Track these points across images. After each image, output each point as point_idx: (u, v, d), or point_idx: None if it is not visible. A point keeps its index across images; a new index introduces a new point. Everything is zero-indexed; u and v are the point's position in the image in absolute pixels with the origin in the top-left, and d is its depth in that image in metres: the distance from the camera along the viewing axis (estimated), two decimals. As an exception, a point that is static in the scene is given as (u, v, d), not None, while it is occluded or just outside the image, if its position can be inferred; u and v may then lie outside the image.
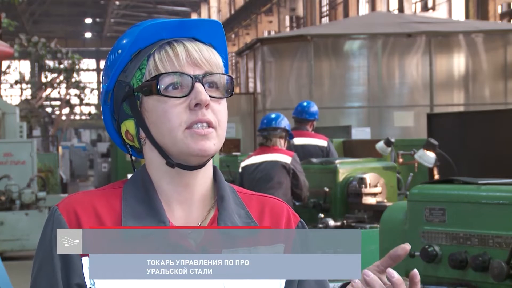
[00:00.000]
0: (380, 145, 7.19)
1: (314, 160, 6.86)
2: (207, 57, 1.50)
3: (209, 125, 1.46)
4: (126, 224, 1.47)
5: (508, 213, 2.96)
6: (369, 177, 6.32)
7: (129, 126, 1.53)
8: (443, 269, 3.15)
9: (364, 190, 6.26)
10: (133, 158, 1.63)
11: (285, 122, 6.52)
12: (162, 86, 1.47)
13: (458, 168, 5.77)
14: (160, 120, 1.47)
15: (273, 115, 6.64)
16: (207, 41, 1.54)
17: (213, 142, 1.47)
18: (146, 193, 1.51)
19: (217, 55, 1.53)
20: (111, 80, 1.53)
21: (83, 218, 1.47)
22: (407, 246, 1.38)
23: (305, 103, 8.19)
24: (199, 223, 1.52)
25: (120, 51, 1.53)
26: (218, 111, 1.49)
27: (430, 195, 3.27)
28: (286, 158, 6.38)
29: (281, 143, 6.50)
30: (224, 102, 1.51)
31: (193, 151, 1.46)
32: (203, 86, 1.47)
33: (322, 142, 7.71)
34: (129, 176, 1.61)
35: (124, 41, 1.54)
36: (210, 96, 1.47)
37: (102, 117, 1.61)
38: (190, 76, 1.47)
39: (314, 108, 8.09)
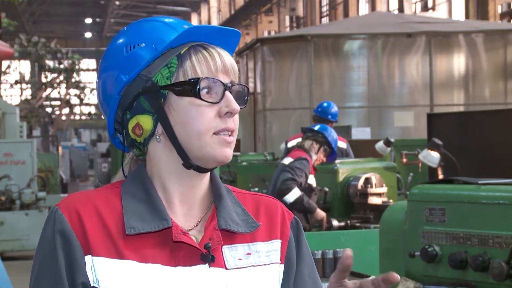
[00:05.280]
0: (380, 145, 7.19)
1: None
2: (234, 66, 1.54)
3: (231, 133, 1.50)
4: (128, 222, 1.47)
5: (508, 213, 2.96)
6: (374, 177, 6.32)
7: (143, 121, 1.51)
8: (443, 269, 3.15)
9: (370, 190, 6.26)
10: (124, 155, 1.61)
11: (323, 130, 6.37)
12: (203, 90, 1.48)
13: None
14: (191, 122, 1.48)
15: (317, 127, 6.52)
16: (227, 49, 1.56)
17: (232, 150, 1.52)
18: (146, 192, 1.51)
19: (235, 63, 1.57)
20: (133, 73, 1.50)
21: (85, 217, 1.47)
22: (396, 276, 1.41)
23: (325, 104, 8.10)
24: (199, 220, 1.54)
25: (143, 44, 1.52)
26: (236, 120, 1.53)
27: (430, 195, 3.26)
28: (288, 160, 6.34)
29: (314, 145, 6.31)
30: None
31: (219, 157, 1.49)
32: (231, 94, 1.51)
33: (342, 144, 7.65)
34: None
35: (148, 35, 1.52)
36: None
37: (103, 110, 1.59)
38: (223, 84, 1.50)
39: (335, 108, 8.03)
